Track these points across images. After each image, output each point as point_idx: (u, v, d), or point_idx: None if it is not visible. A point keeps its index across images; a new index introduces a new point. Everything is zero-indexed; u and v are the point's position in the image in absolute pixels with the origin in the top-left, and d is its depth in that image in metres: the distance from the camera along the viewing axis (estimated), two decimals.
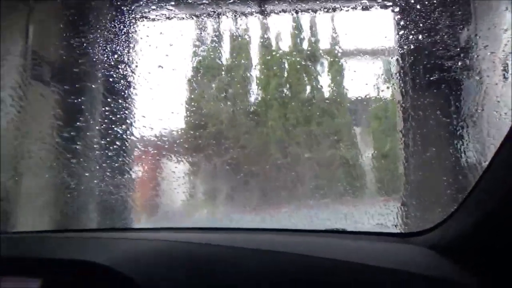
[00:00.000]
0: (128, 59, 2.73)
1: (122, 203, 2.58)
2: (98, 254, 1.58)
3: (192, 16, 3.03)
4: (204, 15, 2.99)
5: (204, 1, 2.72)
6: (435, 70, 2.37)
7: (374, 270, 1.34)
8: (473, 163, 2.04)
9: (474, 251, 1.27)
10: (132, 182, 2.67)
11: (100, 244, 1.74)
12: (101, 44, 2.66)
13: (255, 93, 3.28)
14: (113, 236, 1.95)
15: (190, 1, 2.70)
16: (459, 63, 2.26)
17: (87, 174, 2.59)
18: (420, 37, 2.43)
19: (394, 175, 2.71)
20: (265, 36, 3.24)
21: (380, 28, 2.72)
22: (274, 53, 3.24)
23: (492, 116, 1.94)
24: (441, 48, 2.32)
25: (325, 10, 2.85)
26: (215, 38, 3.18)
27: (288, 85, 3.28)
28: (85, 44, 2.66)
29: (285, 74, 3.28)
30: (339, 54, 3.13)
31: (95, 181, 2.61)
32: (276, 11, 3.06)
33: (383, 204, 2.33)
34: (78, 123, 2.66)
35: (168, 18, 2.94)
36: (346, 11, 2.83)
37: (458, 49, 2.29)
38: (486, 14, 2.25)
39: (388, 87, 2.85)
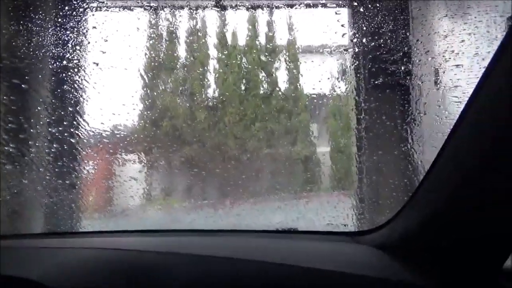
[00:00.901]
0: (74, 53, 2.61)
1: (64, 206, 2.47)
2: (30, 265, 1.50)
3: (149, 9, 2.94)
4: (162, 7, 2.91)
5: None
6: (380, 73, 2.44)
7: (321, 273, 1.35)
8: (418, 163, 2.13)
9: (420, 250, 1.30)
10: (78, 183, 2.56)
11: (34, 254, 1.64)
12: (44, 39, 2.52)
13: (212, 89, 3.25)
14: (49, 244, 1.82)
15: None
16: (402, 67, 2.33)
17: (27, 176, 2.46)
18: (364, 40, 2.49)
19: (345, 172, 2.78)
20: (222, 31, 3.21)
21: (335, 26, 2.75)
22: (231, 48, 3.22)
23: (433, 120, 2.02)
24: (384, 52, 2.39)
25: (282, 6, 2.84)
26: (171, 32, 3.11)
27: (245, 81, 3.27)
28: (26, 39, 2.51)
29: (242, 70, 3.27)
30: (296, 51, 3.15)
31: (37, 184, 2.48)
32: (233, 6, 3.03)
33: (334, 201, 2.38)
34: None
35: (122, 8, 2.84)
36: (303, 7, 2.85)
37: (401, 54, 2.36)
38: (425, 19, 2.32)
39: (344, 85, 2.91)
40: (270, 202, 2.75)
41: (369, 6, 2.42)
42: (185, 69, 3.25)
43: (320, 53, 2.83)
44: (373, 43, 2.43)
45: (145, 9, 2.91)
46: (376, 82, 2.45)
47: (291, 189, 2.83)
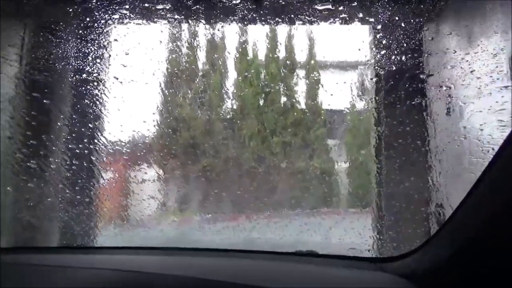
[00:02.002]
0: (94, 66, 2.62)
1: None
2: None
3: (171, 21, 2.94)
4: (183, 20, 2.92)
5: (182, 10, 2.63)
6: (400, 90, 2.41)
7: None
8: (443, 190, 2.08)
9: (452, 280, 1.23)
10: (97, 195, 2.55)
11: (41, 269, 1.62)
12: (67, 53, 2.53)
13: (231, 102, 3.25)
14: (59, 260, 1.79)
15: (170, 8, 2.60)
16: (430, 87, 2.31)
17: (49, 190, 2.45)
18: (385, 56, 2.47)
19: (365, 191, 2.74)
20: (242, 43, 3.21)
21: (357, 43, 2.73)
22: (251, 62, 3.22)
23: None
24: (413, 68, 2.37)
25: (304, 22, 2.83)
26: (191, 45, 3.12)
27: (264, 95, 3.27)
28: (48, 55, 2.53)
29: (262, 84, 3.27)
30: (316, 66, 3.13)
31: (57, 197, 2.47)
32: (253, 19, 3.02)
33: (358, 223, 2.34)
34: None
35: (145, 21, 2.85)
36: (326, 24, 2.83)
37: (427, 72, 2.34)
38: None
39: (364, 102, 2.88)
40: (288, 218, 2.72)
41: (388, 23, 2.40)
42: (205, 81, 3.26)
43: (342, 67, 2.81)
44: (393, 60, 2.40)
45: (168, 21, 2.91)
46: (396, 98, 2.41)
47: (310, 205, 2.80)
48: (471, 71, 2.13)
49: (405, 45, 2.51)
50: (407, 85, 2.51)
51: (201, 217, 3.09)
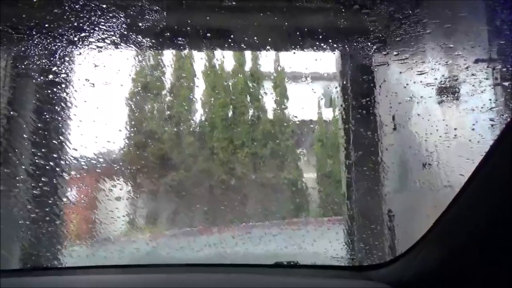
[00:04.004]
0: (63, 77, 2.52)
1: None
2: None
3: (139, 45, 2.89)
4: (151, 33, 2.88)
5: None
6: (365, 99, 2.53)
7: None
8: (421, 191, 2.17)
9: (441, 286, 1.18)
10: (64, 211, 2.42)
11: None
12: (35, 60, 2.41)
13: (199, 114, 3.24)
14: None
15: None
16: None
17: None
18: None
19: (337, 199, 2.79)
20: (210, 57, 3.22)
21: (324, 56, 2.80)
22: (219, 74, 3.23)
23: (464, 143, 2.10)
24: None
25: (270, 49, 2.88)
26: (158, 57, 3.09)
27: (232, 107, 3.28)
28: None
29: (230, 96, 3.28)
30: (283, 78, 3.19)
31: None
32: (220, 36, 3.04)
33: (335, 230, 2.34)
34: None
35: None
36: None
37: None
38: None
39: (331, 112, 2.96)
40: (262, 229, 2.70)
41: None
42: (172, 94, 3.23)
43: (309, 79, 2.88)
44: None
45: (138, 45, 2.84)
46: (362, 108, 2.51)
47: (285, 215, 2.81)
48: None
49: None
50: (373, 96, 2.61)
51: (172, 231, 3.02)
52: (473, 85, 2.22)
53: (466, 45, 2.11)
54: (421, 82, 2.31)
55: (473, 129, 2.17)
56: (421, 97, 2.33)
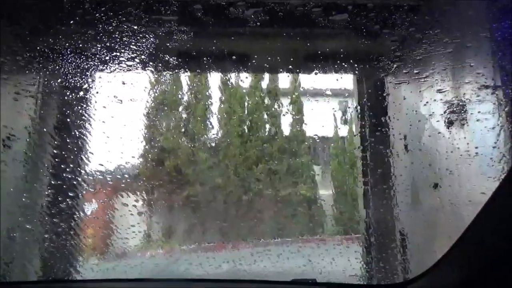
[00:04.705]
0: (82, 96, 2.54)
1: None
2: None
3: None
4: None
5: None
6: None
7: None
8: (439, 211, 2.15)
9: None
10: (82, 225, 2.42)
11: None
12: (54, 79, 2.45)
13: (216, 130, 3.26)
14: None
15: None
16: None
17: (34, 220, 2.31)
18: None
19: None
20: (227, 74, 3.25)
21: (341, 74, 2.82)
22: (235, 91, 3.26)
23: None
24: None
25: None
26: (176, 75, 3.13)
27: (248, 123, 3.30)
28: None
29: (246, 112, 3.31)
30: (300, 94, 3.21)
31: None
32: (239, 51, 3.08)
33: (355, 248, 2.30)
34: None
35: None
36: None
37: None
38: None
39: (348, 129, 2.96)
40: (281, 246, 2.68)
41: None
42: (189, 110, 3.26)
43: (326, 95, 2.89)
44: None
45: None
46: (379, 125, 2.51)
47: (298, 232, 2.79)
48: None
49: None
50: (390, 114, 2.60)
51: (186, 247, 3.01)
52: (493, 103, 2.21)
53: (488, 64, 2.11)
54: (441, 100, 2.31)
55: (494, 147, 2.16)
56: (441, 114, 2.33)
